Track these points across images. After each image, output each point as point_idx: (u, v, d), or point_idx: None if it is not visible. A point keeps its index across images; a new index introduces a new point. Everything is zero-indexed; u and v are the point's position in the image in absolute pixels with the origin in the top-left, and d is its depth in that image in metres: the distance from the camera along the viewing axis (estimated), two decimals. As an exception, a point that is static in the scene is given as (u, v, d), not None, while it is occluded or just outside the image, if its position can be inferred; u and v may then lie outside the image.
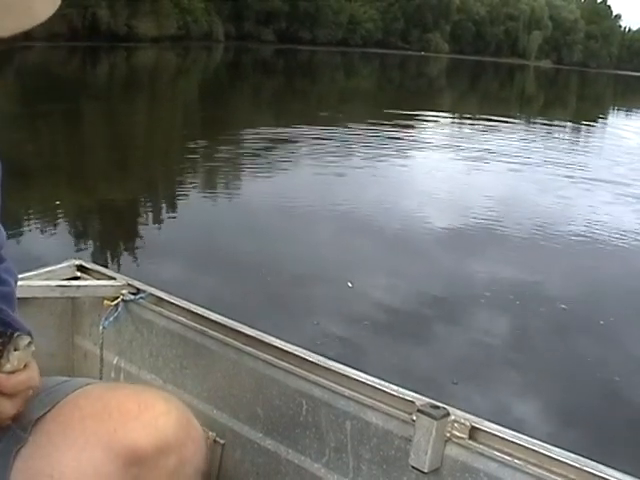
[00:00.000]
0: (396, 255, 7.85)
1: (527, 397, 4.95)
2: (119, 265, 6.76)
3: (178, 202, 9.79)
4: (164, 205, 9.67)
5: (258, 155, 13.37)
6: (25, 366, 1.22)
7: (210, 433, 2.08)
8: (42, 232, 7.57)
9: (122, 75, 32.88)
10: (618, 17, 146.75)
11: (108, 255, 7.21)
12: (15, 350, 1.18)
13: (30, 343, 1.20)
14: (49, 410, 1.29)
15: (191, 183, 11.32)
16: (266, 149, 14.14)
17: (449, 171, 13.99)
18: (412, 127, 20.09)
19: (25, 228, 7.50)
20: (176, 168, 12.42)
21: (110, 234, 8.05)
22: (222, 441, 2.10)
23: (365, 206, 10.01)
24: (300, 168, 12.85)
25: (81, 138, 14.13)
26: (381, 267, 7.34)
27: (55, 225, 7.87)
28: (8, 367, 1.19)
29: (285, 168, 12.63)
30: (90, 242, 7.62)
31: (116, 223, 8.48)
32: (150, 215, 9.11)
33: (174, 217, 8.99)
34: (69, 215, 8.39)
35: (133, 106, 20.57)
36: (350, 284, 6.41)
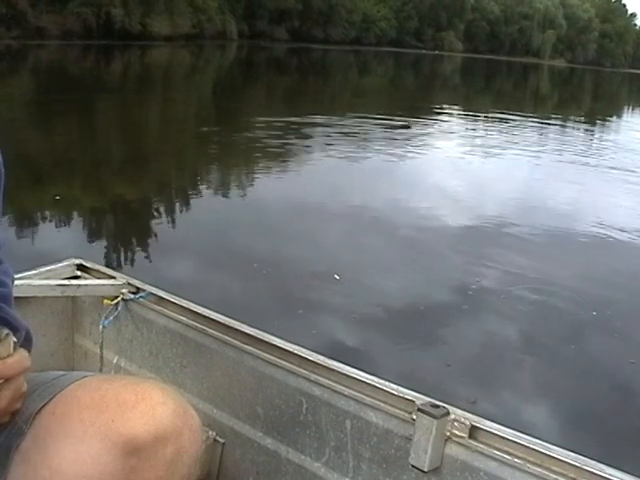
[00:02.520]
0: (403, 249, 7.84)
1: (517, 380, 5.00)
2: (126, 254, 6.87)
3: (189, 195, 9.86)
4: (174, 197, 9.73)
5: (269, 149, 13.42)
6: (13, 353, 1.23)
7: (210, 432, 2.09)
8: (55, 227, 7.62)
9: (136, 73, 32.99)
10: (633, 16, 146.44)
11: (114, 244, 7.28)
12: None
13: (8, 334, 1.20)
14: (47, 403, 1.29)
15: (202, 175, 11.45)
16: (278, 142, 14.18)
17: (462, 164, 14.03)
18: (425, 122, 20.10)
19: (34, 223, 7.56)
20: (189, 161, 12.54)
21: (119, 228, 8.08)
22: (222, 440, 2.10)
23: (376, 198, 10.04)
24: (312, 161, 12.91)
25: (95, 134, 14.18)
26: (388, 259, 7.38)
27: (66, 218, 7.93)
28: None
29: (297, 161, 12.72)
30: (96, 236, 7.61)
31: (126, 218, 8.49)
32: (159, 203, 9.18)
33: (184, 210, 9.02)
34: (78, 208, 8.44)
35: (147, 103, 20.62)
36: (337, 277, 6.40)
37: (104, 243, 7.34)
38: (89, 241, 7.31)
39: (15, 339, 1.22)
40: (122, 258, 6.80)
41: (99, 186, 9.62)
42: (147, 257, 6.87)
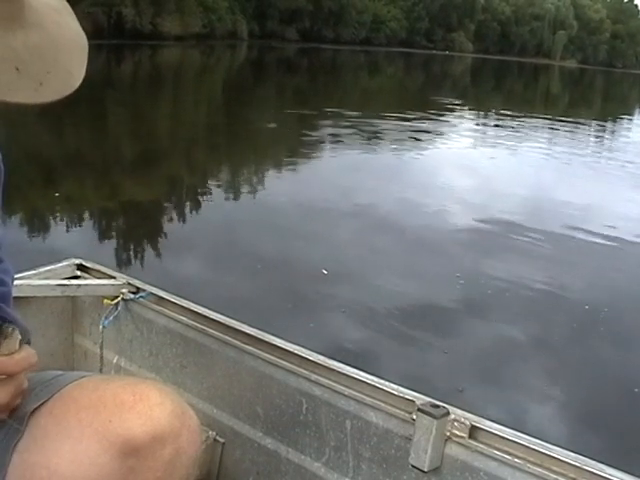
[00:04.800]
0: (401, 246, 7.85)
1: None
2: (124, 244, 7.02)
3: (197, 189, 10.02)
4: (178, 185, 9.81)
5: (277, 146, 13.47)
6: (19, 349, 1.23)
7: (210, 432, 2.09)
8: (67, 225, 7.63)
9: (147, 72, 33.08)
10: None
11: (115, 240, 7.38)
12: (5, 338, 1.20)
13: (14, 329, 1.20)
14: (45, 402, 1.29)
15: (210, 167, 11.55)
16: (288, 142, 14.23)
17: (471, 161, 14.07)
18: (435, 121, 20.11)
19: (33, 220, 7.59)
20: (200, 159, 12.58)
21: (119, 224, 8.16)
22: (222, 440, 2.10)
23: (383, 194, 10.05)
24: (322, 156, 13.02)
25: (105, 133, 14.21)
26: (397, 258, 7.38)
27: (77, 216, 7.96)
28: (5, 352, 1.20)
29: (307, 156, 12.81)
30: (98, 234, 7.63)
31: (127, 213, 8.53)
32: (160, 195, 9.28)
33: (190, 205, 9.13)
34: (78, 205, 8.48)
35: (159, 102, 20.67)
36: (325, 271, 6.42)
37: (105, 240, 7.40)
38: (92, 238, 7.33)
39: (20, 336, 1.22)
40: (118, 249, 6.95)
41: (102, 183, 9.66)
42: (143, 245, 7.03)
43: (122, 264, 6.42)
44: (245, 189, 10.12)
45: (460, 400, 4.07)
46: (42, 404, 1.29)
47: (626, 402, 4.75)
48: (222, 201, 9.22)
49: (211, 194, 9.47)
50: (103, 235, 7.57)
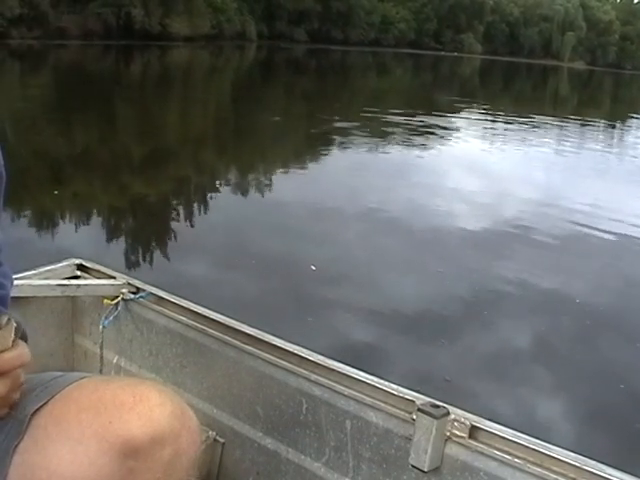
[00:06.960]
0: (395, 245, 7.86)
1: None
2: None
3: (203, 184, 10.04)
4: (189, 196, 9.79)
5: (287, 148, 13.49)
6: (13, 345, 1.22)
7: (210, 432, 2.09)
8: (66, 224, 7.67)
9: (156, 72, 33.18)
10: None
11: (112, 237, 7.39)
12: None
13: (9, 320, 1.19)
14: (45, 404, 1.29)
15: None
16: (296, 143, 14.25)
17: (479, 160, 14.09)
18: (445, 120, 20.13)
19: (34, 218, 7.62)
20: (205, 156, 12.64)
21: (115, 219, 8.17)
22: (222, 440, 2.11)
23: (387, 194, 10.02)
24: (328, 155, 13.03)
25: (114, 133, 14.25)
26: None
27: (86, 217, 7.97)
28: None
29: (313, 158, 12.78)
30: (100, 232, 7.65)
31: (142, 218, 8.55)
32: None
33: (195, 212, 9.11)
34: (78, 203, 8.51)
35: (168, 102, 20.73)
36: (313, 267, 6.45)
37: (105, 238, 7.42)
38: (93, 236, 7.35)
39: (16, 324, 1.21)
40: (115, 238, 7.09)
41: (109, 178, 9.71)
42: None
43: (112, 248, 6.52)
44: (247, 185, 10.16)
45: (444, 389, 4.11)
46: (42, 405, 1.29)
47: (614, 399, 4.76)
48: (223, 197, 9.27)
49: (213, 190, 9.53)
50: (105, 231, 7.61)
